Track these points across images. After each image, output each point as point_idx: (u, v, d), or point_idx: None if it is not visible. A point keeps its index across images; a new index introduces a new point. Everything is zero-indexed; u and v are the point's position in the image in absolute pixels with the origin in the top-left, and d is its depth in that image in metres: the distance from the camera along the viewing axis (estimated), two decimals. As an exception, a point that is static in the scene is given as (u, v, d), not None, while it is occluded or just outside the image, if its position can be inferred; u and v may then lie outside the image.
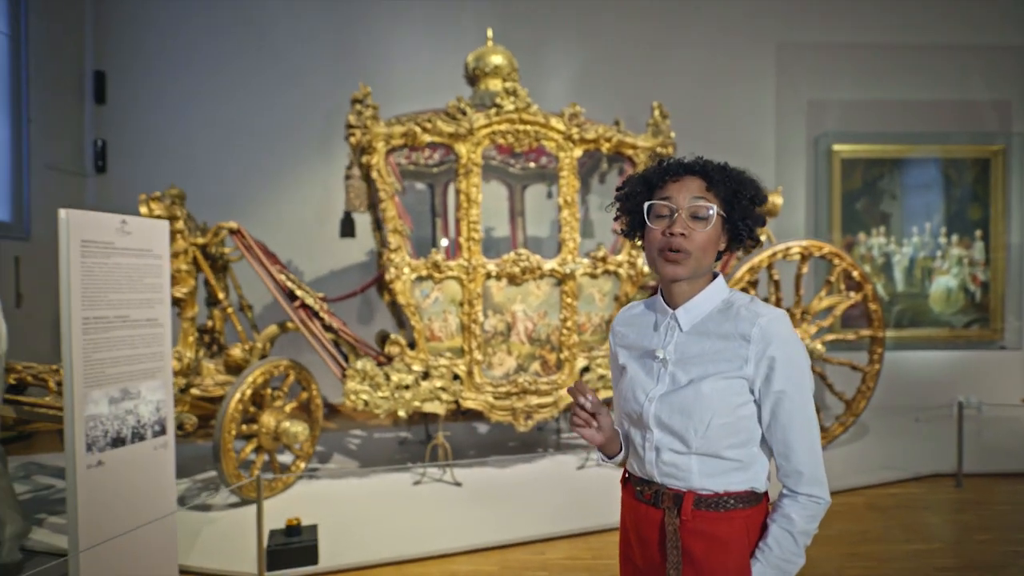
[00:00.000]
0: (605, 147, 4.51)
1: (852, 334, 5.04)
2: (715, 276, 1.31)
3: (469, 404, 4.30)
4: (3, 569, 2.75)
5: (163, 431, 2.86)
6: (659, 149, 4.60)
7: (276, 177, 6.82)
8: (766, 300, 4.88)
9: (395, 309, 5.21)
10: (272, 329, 4.39)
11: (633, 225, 1.35)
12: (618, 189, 1.39)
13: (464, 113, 4.22)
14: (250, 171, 6.78)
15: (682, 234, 1.22)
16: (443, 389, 4.26)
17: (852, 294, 4.89)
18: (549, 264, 4.41)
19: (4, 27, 5.85)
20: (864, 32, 6.85)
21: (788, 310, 4.80)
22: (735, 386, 1.23)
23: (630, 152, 4.58)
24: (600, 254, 4.52)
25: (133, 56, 6.88)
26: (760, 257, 4.63)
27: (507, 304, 4.38)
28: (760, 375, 1.23)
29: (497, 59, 4.87)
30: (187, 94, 6.86)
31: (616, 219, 1.40)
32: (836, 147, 6.77)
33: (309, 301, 4.17)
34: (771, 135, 6.85)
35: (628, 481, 1.38)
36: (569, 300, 4.45)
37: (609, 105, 6.27)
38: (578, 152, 4.45)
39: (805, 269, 4.77)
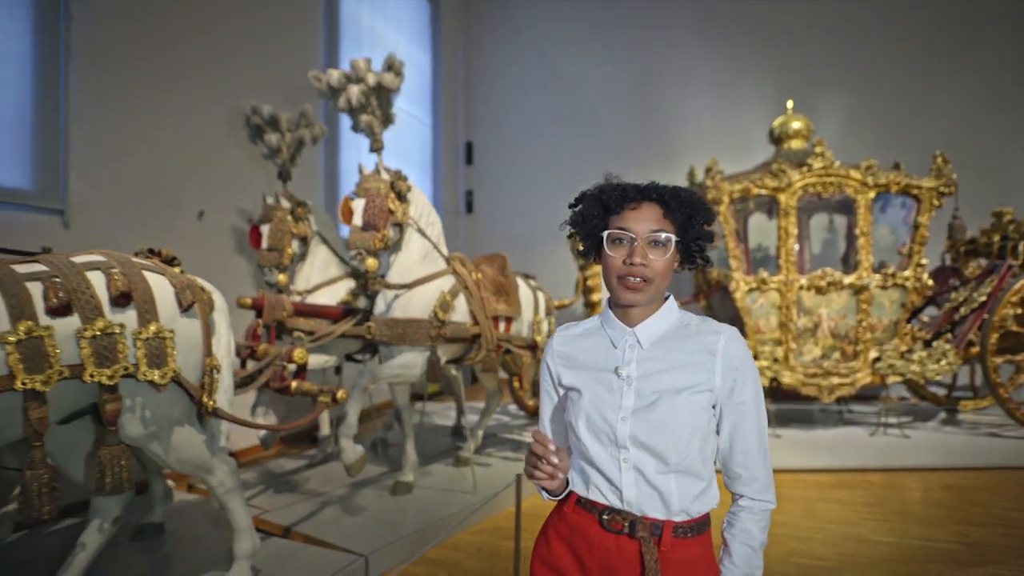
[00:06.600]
0: (894, 189, 5.87)
1: None
2: (667, 297, 1.33)
3: (786, 380, 5.94)
4: None
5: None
6: (942, 189, 5.84)
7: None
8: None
9: (710, 311, 7.02)
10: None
11: (588, 245, 1.37)
12: (571, 206, 1.42)
13: (784, 172, 5.88)
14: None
15: (642, 264, 1.23)
16: (767, 368, 5.95)
17: None
18: (848, 279, 5.89)
19: (428, 120, 8.80)
20: None
21: (1065, 317, 5.72)
22: (703, 400, 1.24)
23: (916, 192, 5.88)
24: (890, 271, 5.88)
25: (489, 128, 9.63)
26: (1037, 273, 5.64)
27: (815, 308, 5.95)
28: (726, 387, 1.26)
29: (797, 124, 6.48)
30: (524, 154, 9.41)
31: (570, 236, 1.43)
32: (1117, 167, 7.19)
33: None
34: (1044, 160, 7.46)
35: (582, 508, 1.31)
36: (864, 306, 5.88)
37: (879, 139, 7.48)
38: (871, 194, 5.87)
39: (1082, 283, 5.65)
